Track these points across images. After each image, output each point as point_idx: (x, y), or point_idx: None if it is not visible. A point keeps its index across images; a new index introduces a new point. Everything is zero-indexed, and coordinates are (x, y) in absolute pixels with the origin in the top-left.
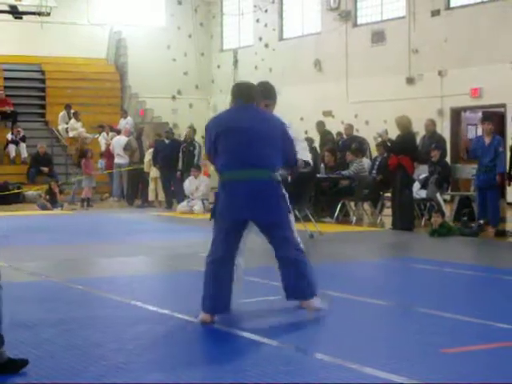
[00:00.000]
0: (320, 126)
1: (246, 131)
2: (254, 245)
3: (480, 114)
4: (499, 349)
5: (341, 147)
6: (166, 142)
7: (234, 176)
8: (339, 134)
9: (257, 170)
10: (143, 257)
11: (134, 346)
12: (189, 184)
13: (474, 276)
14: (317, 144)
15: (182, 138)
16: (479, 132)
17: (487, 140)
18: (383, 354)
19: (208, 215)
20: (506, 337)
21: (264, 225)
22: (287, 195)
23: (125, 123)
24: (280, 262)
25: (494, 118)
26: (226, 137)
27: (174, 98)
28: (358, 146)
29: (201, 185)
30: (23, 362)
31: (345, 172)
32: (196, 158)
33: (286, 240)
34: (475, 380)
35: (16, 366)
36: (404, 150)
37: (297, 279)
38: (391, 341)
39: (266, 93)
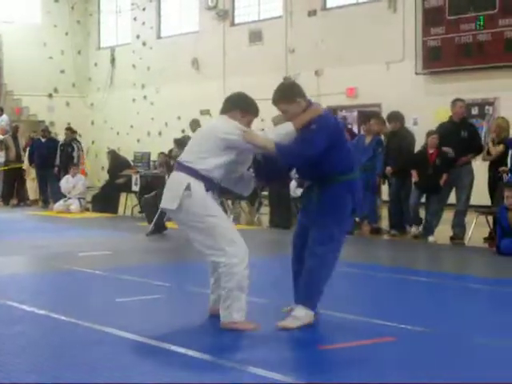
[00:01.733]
0: (194, 124)
1: None
2: (136, 243)
3: (355, 114)
4: (375, 344)
5: None
6: (43, 140)
7: (356, 175)
8: None
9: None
10: (18, 256)
11: (10, 346)
12: (66, 182)
13: (351, 273)
14: None
15: (60, 137)
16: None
17: (368, 139)
18: (261, 352)
19: (84, 214)
20: (379, 333)
21: None
22: None
23: (0, 121)
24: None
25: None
26: (341, 136)
27: (50, 96)
28: None
29: (78, 183)
30: None
31: None
32: (75, 160)
33: None
34: (348, 374)
35: None
36: None
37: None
38: (269, 338)
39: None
